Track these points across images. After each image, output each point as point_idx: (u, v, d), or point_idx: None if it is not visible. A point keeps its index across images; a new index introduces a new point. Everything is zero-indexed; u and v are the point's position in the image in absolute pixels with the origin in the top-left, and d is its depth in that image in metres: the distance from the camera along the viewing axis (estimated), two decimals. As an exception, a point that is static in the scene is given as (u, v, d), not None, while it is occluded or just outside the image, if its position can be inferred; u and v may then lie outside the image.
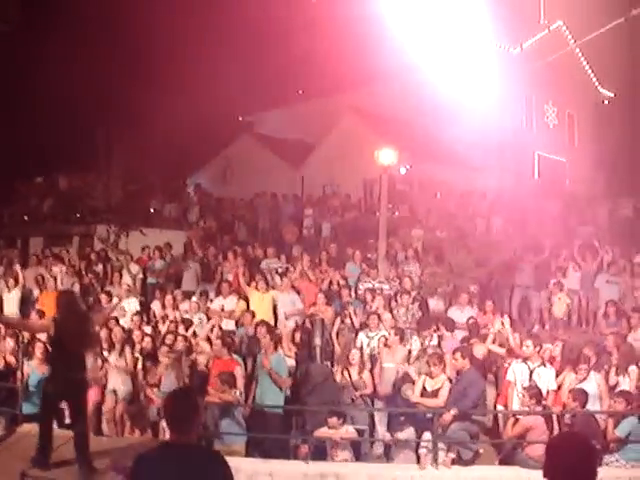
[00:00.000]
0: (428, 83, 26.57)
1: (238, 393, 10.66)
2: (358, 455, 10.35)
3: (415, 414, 10.36)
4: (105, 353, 11.86)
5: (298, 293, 14.55)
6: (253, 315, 13.22)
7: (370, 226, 18.63)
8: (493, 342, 11.44)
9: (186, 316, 13.83)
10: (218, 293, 15.03)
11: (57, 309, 8.87)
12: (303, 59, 31.28)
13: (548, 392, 10.28)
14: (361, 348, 11.93)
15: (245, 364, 11.97)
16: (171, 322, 13.45)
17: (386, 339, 11.83)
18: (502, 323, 11.54)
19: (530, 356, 10.53)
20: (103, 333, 12.10)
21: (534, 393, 9.76)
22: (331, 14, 27.60)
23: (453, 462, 9.46)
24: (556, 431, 9.70)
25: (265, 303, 14.01)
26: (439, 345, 11.87)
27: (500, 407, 10.88)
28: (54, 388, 8.55)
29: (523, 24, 28.47)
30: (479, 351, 10.98)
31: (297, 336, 12.46)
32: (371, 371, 11.37)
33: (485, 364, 11.18)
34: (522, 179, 27.14)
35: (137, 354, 12.07)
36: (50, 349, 9.36)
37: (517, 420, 9.83)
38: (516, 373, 10.51)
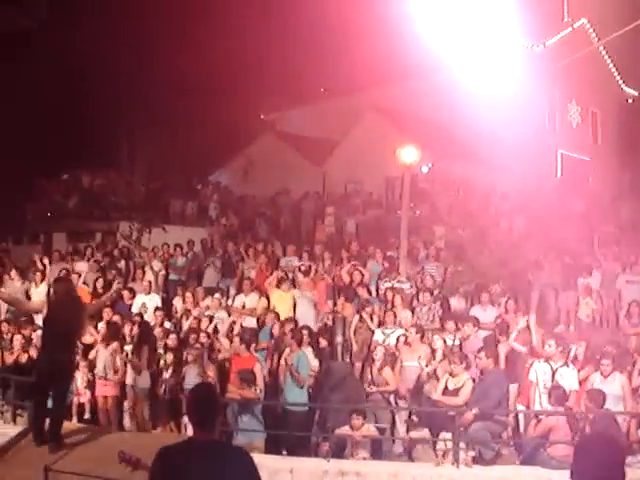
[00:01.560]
0: (451, 81, 26.49)
1: (258, 390, 10.70)
2: (378, 453, 10.34)
3: (435, 413, 10.34)
4: (126, 348, 11.96)
5: (318, 292, 14.57)
6: (276, 314, 13.25)
7: (392, 224, 18.60)
8: (516, 341, 11.38)
9: (207, 313, 13.89)
10: (239, 290, 15.09)
11: (54, 294, 9.19)
12: (325, 57, 31.30)
13: (570, 392, 10.21)
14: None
15: (271, 361, 12.02)
16: (194, 319, 13.55)
17: (406, 337, 11.82)
18: (527, 322, 11.46)
19: (552, 356, 10.46)
20: (126, 329, 12.24)
21: (559, 393, 9.71)
22: (354, 12, 27.57)
23: (474, 461, 9.43)
24: (578, 431, 9.62)
25: (286, 302, 14.02)
26: (461, 344, 11.84)
27: (521, 407, 10.83)
28: (40, 367, 9.01)
29: (546, 22, 28.24)
30: (502, 350, 10.94)
31: (319, 334, 12.47)
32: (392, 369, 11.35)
33: (508, 363, 11.12)
34: (545, 178, 26.94)
35: (160, 350, 12.18)
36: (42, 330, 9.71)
37: (539, 420, 9.77)
38: (538, 373, 10.43)
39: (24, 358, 12.02)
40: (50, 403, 9.25)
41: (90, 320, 11.66)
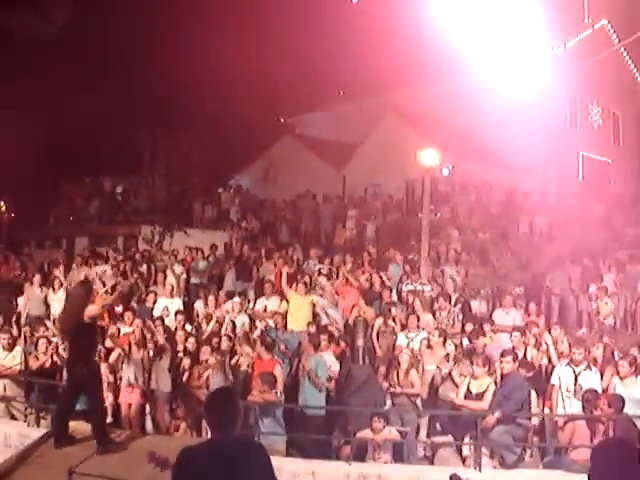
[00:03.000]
0: (471, 83, 26.42)
1: (278, 393, 10.70)
2: (399, 457, 10.33)
3: (457, 416, 10.32)
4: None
5: (339, 295, 14.54)
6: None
7: (412, 227, 18.60)
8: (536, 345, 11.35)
9: (229, 316, 13.93)
10: (259, 293, 15.12)
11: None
12: (344, 60, 31.33)
13: (593, 396, 10.15)
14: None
15: (290, 365, 12.05)
16: (215, 322, 13.60)
17: (428, 341, 11.80)
18: (549, 331, 11.43)
19: (577, 360, 10.40)
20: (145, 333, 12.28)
21: (591, 397, 9.66)
22: (373, 15, 27.59)
23: (496, 465, 9.40)
24: (601, 435, 9.56)
25: (305, 306, 13.95)
26: (482, 348, 11.79)
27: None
28: (68, 372, 9.20)
29: (567, 23, 28.07)
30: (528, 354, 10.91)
31: (340, 337, 12.48)
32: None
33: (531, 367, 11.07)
34: (566, 180, 26.81)
35: (180, 354, 12.23)
36: None
37: (564, 424, 9.73)
38: (561, 376, 10.39)
39: (48, 362, 12.09)
40: (77, 407, 9.34)
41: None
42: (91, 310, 8.86)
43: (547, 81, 26.23)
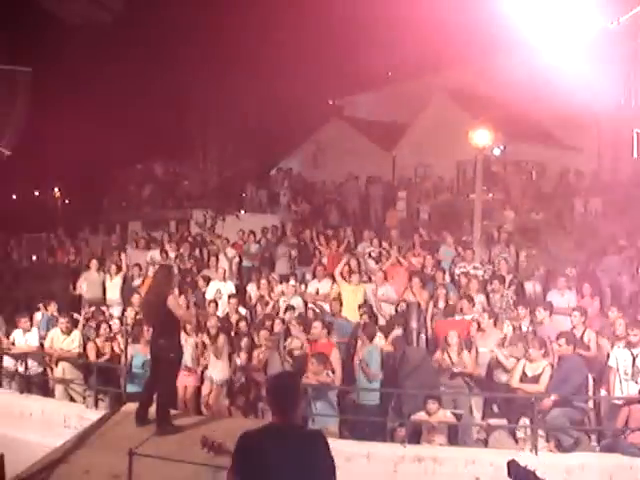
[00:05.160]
0: (522, 61, 25.97)
1: (332, 374, 10.71)
2: (454, 439, 10.31)
3: (513, 399, 10.26)
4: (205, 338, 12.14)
5: (389, 277, 14.49)
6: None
7: (463, 209, 18.46)
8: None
9: (282, 299, 14.01)
10: (313, 276, 15.17)
11: (152, 279, 9.50)
12: (392, 40, 31.06)
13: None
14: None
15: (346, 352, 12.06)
16: (266, 305, 13.69)
17: (479, 323, 11.72)
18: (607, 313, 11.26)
19: (634, 342, 10.22)
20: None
21: None
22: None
23: (553, 449, 9.33)
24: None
25: (357, 295, 13.86)
26: (535, 330, 11.67)
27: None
28: (151, 353, 9.16)
29: (621, -2, 27.40)
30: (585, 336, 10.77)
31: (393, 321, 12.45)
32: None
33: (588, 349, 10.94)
34: (621, 158, 26.25)
35: (234, 337, 12.36)
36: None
37: (621, 407, 9.60)
38: (618, 359, 10.22)
39: (107, 346, 12.33)
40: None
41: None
42: (171, 300, 8.95)
43: (600, 57, 25.66)
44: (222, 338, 11.84)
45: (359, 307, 12.95)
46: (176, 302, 9.04)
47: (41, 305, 14.31)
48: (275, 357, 11.21)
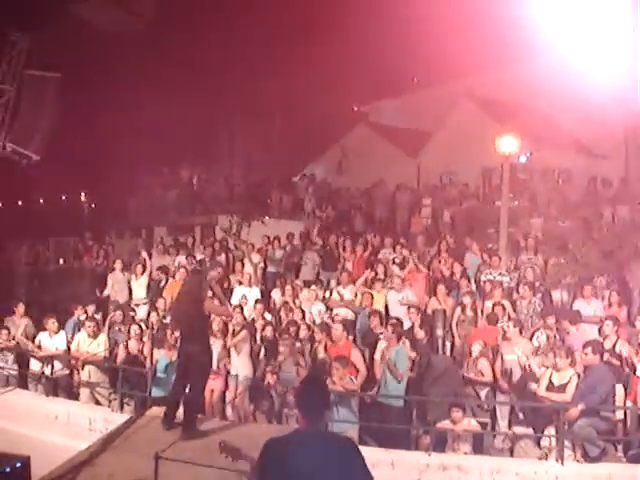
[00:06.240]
0: (549, 66, 25.76)
1: (355, 379, 10.71)
2: (479, 448, 10.25)
3: (539, 408, 10.17)
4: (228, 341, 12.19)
5: (416, 284, 14.47)
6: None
7: (489, 216, 18.35)
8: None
9: (306, 305, 14.03)
10: (338, 282, 15.18)
11: (184, 284, 9.62)
12: (417, 45, 30.97)
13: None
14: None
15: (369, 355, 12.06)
16: (290, 311, 13.71)
17: (504, 331, 11.65)
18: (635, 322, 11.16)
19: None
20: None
21: None
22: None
23: (579, 459, 9.24)
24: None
25: (379, 301, 13.94)
26: (562, 339, 11.59)
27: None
28: (179, 358, 9.23)
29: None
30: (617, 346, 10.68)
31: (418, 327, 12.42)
32: (493, 363, 11.21)
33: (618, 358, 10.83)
34: (649, 165, 25.97)
35: (259, 341, 12.41)
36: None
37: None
38: (646, 369, 10.14)
39: (135, 349, 12.40)
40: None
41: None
42: (209, 304, 8.99)
43: (628, 63, 25.42)
44: (244, 333, 11.91)
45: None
46: (213, 304, 9.12)
47: (79, 307, 14.40)
48: (293, 362, 11.22)
